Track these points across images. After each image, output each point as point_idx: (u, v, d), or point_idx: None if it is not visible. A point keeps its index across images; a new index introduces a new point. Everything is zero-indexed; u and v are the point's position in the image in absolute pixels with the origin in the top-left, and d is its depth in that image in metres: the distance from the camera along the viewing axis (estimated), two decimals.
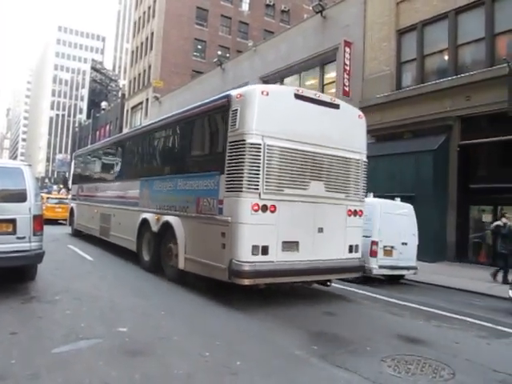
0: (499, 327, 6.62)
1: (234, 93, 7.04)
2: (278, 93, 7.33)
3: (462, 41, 15.53)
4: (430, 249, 13.47)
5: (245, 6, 45.75)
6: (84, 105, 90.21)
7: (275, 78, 25.04)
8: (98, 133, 58.37)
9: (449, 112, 15.07)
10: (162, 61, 42.29)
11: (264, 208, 6.57)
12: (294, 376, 4.14)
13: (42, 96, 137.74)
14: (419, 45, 16.78)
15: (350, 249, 7.71)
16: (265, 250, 6.57)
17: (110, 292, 7.19)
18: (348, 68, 19.32)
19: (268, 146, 6.58)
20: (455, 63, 15.55)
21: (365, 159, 8.04)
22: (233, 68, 29.09)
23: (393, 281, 11.02)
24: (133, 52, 51.06)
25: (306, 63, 22.55)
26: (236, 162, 6.58)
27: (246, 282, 6.42)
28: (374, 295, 8.57)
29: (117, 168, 12.60)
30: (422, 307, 7.69)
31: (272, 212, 6.65)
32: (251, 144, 6.48)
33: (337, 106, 7.71)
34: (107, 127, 55.73)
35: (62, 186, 29.65)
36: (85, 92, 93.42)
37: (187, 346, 4.74)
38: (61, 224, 20.60)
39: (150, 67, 44.08)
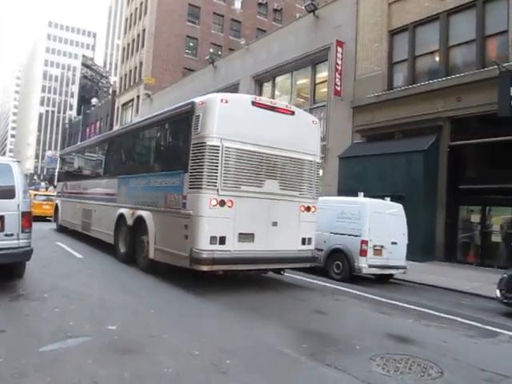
0: (487, 327, 6.67)
1: (197, 100, 7.82)
2: (237, 100, 8.16)
3: (453, 42, 15.64)
4: (419, 248, 13.57)
5: (237, 4, 45.71)
6: (74, 101, 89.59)
7: (267, 76, 25.06)
8: (88, 129, 57.91)
9: (439, 113, 15.18)
10: (153, 58, 42.11)
11: (222, 203, 7.33)
12: (284, 374, 4.14)
13: (32, 92, 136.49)
14: (411, 46, 16.88)
15: (303, 241, 8.43)
16: (222, 241, 7.32)
17: (99, 290, 7.14)
18: (340, 68, 19.37)
19: (226, 147, 7.37)
20: (446, 64, 15.66)
21: (318, 160, 8.88)
22: (225, 66, 29.04)
23: (382, 280, 11.08)
24: (124, 48, 50.75)
25: (297, 62, 22.58)
26: (197, 162, 7.37)
27: (204, 268, 7.19)
28: (364, 294, 8.60)
29: (97, 167, 13.58)
30: (411, 306, 7.74)
31: (229, 207, 7.41)
32: (211, 146, 7.28)
33: (292, 113, 8.54)
34: (97, 124, 55.34)
35: (48, 184, 29.59)
36: (75, 88, 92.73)
37: (177, 344, 4.73)
38: (48, 221, 20.43)
39: (141, 64, 43.86)
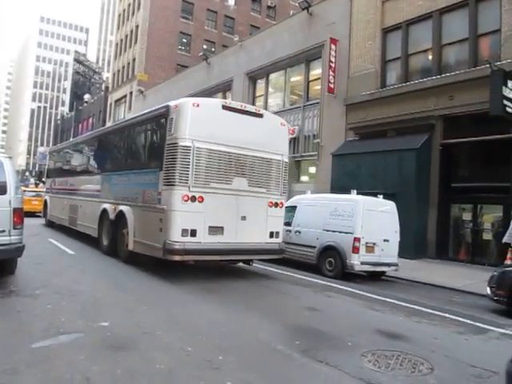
0: (477, 323, 6.74)
1: (171, 104, 8.44)
2: (208, 104, 8.79)
3: (445, 41, 15.71)
4: (411, 246, 13.66)
5: (231, 1, 45.58)
6: (66, 97, 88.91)
7: (261, 73, 25.04)
8: (80, 125, 57.57)
9: (432, 111, 15.25)
10: (146, 54, 41.91)
11: (193, 198, 7.96)
12: (276, 370, 4.16)
13: (24, 88, 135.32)
14: (404, 44, 16.93)
15: (271, 234, 9.03)
16: (193, 233, 7.94)
17: (91, 286, 7.12)
18: (333, 65, 19.39)
19: (197, 148, 7.98)
20: (439, 63, 15.73)
21: (286, 160, 9.41)
22: (218, 63, 28.97)
23: (374, 277, 11.14)
24: (117, 44, 50.46)
25: (291, 59, 22.58)
26: (171, 161, 7.99)
27: (176, 258, 7.84)
28: (356, 291, 8.64)
29: (82, 164, 14.24)
30: (402, 303, 7.79)
31: (200, 202, 8.03)
32: (183, 146, 7.89)
33: (261, 116, 9.16)
34: (90, 120, 55.02)
35: (38, 180, 29.64)
36: (67, 84, 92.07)
37: (170, 340, 4.73)
38: (38, 216, 20.40)
39: (134, 60, 43.64)
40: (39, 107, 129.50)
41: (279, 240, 9.18)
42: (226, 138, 8.35)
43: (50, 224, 16.86)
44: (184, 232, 7.86)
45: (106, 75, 75.45)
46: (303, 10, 21.61)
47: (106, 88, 53.68)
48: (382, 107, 16.77)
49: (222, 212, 8.31)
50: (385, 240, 10.67)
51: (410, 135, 15.69)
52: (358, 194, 11.22)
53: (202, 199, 8.03)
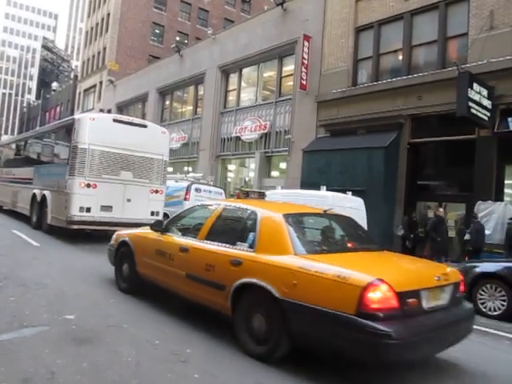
0: None
1: (76, 117, 12.30)
2: (102, 118, 12.60)
3: (415, 42, 16.01)
4: (377, 242, 13.89)
5: None
6: (33, 84, 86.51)
7: (233, 67, 24.96)
8: (47, 114, 56.04)
9: (401, 110, 15.55)
10: (117, 43, 41.11)
11: (88, 185, 10.89)
12: (243, 364, 4.21)
13: None
14: (375, 43, 17.17)
15: (152, 213, 11.78)
16: (88, 210, 10.91)
17: (57, 278, 7.01)
18: (306, 62, 19.50)
19: (92, 149, 11.00)
20: (409, 63, 16.04)
21: (166, 159, 12.48)
22: (191, 55, 28.68)
23: None
24: (87, 32, 49.29)
25: (264, 55, 22.58)
26: (73, 158, 10.96)
27: (75, 227, 10.94)
28: None
29: (21, 158, 17.09)
30: None
31: (94, 188, 10.96)
32: (81, 148, 10.94)
33: (145, 126, 12.33)
34: (58, 109, 53.63)
35: None
36: (34, 71, 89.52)
37: (137, 333, 4.71)
38: None
39: (104, 49, 42.73)
40: (4, 94, 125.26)
41: (159, 218, 11.50)
42: (115, 142, 11.27)
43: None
44: (81, 209, 10.80)
45: (75, 63, 73.63)
46: (278, 5, 21.62)
47: (75, 77, 52.42)
48: (352, 105, 16.99)
49: (111, 195, 11.18)
50: None
51: (379, 133, 15.95)
52: (327, 190, 11.38)
53: (95, 186, 10.94)
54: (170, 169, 29.43)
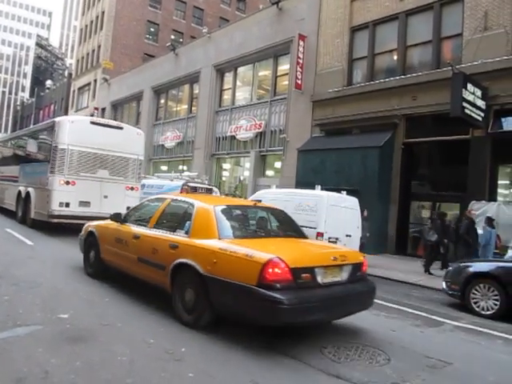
0: (433, 317, 7.02)
1: (56, 120, 12.75)
2: (80, 121, 13.14)
3: (410, 42, 16.08)
4: (371, 241, 13.95)
5: None
6: (27, 82, 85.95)
7: (228, 66, 24.93)
8: (41, 112, 55.69)
9: (395, 110, 15.61)
10: (112, 41, 40.90)
11: (67, 182, 11.78)
12: (238, 363, 4.20)
13: None
14: (370, 43, 17.21)
15: (127, 208, 11.43)
16: (67, 205, 11.75)
17: (51, 277, 6.96)
18: (301, 61, 19.52)
19: (71, 149, 11.86)
20: (403, 63, 16.10)
21: (141, 158, 13.41)
22: (186, 54, 28.62)
23: None
24: (81, 30, 49.00)
25: (260, 54, 22.58)
26: (54, 157, 11.80)
27: (55, 220, 11.78)
28: None
29: (8, 157, 17.65)
30: None
31: (72, 185, 11.84)
32: (61, 148, 11.80)
33: (121, 128, 13.11)
34: (52, 107, 53.32)
35: None
36: (28, 69, 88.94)
37: (131, 332, 4.69)
38: None
39: (99, 47, 42.51)
40: None
41: None
42: (92, 143, 12.14)
43: None
44: (60, 204, 11.66)
45: (70, 61, 73.21)
46: (273, 4, 21.63)
47: (69, 75, 52.11)
48: (347, 105, 17.03)
49: (89, 192, 12.03)
50: (347, 235, 10.86)
51: (373, 133, 16.00)
52: (322, 189, 11.37)
53: (74, 183, 11.84)
54: (165, 167, 29.48)
